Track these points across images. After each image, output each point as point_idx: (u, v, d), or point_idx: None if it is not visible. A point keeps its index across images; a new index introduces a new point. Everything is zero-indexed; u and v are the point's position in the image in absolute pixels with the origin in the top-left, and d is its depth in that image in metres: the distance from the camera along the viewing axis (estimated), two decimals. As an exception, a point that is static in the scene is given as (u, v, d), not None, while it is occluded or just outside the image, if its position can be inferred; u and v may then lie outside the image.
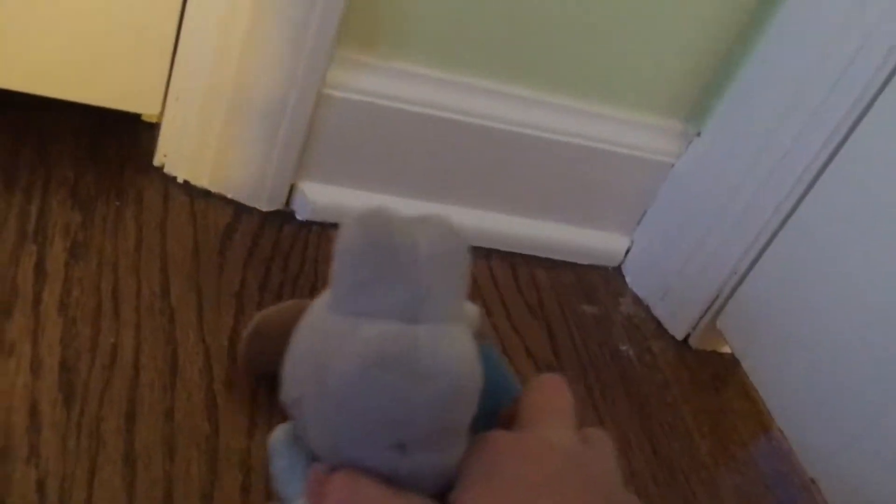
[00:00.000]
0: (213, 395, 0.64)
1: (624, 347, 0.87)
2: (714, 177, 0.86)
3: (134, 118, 0.83)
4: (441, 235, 0.41)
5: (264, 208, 0.82)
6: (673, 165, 0.91)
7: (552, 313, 0.87)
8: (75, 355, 0.62)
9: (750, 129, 0.83)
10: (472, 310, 0.49)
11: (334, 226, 0.83)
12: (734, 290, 0.86)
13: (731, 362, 0.90)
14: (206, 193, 0.81)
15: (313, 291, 0.76)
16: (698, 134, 0.90)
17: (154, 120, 0.82)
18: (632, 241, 0.96)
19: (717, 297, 0.87)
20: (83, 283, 0.67)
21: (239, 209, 0.81)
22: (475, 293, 0.85)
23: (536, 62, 0.83)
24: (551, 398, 0.46)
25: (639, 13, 0.82)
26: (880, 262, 0.74)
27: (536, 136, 0.86)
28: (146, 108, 0.77)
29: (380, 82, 0.79)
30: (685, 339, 0.91)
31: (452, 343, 0.38)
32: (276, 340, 0.47)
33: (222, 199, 0.81)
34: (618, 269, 0.97)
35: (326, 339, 0.39)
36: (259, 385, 0.66)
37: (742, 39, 0.85)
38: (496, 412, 0.46)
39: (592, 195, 0.92)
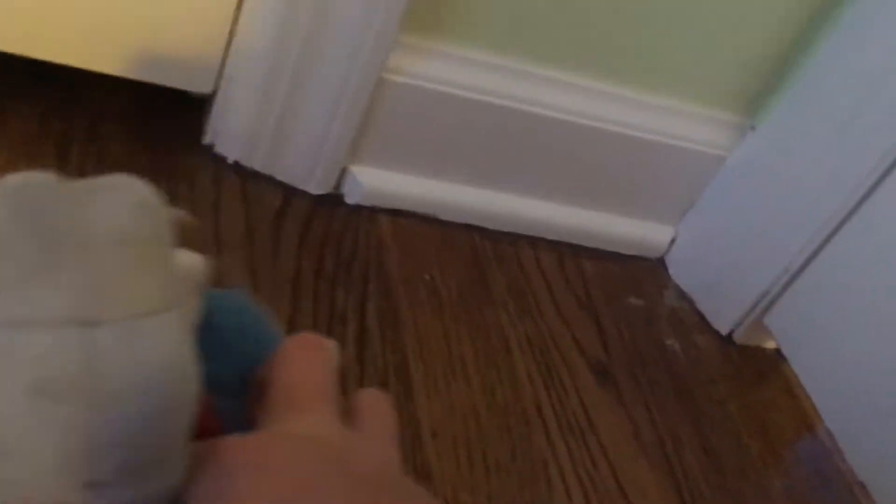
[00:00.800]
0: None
1: (670, 342, 0.86)
2: (770, 173, 0.85)
3: (179, 94, 0.81)
4: (124, 205, 0.31)
5: (314, 191, 0.80)
6: (724, 159, 0.90)
7: (599, 306, 0.86)
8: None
9: (814, 126, 0.81)
10: (192, 266, 0.36)
11: (384, 211, 0.82)
12: (785, 288, 0.85)
13: (774, 358, 0.90)
14: (256, 175, 0.79)
15: (366, 280, 0.75)
16: (753, 128, 0.89)
17: (200, 97, 0.80)
18: (676, 233, 0.95)
19: (766, 294, 0.86)
20: (141, 268, 0.66)
21: (289, 192, 0.79)
22: (524, 282, 0.84)
23: (593, 50, 0.81)
24: (303, 372, 0.35)
25: (698, 2, 0.80)
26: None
27: (588, 125, 0.84)
28: (199, 86, 0.76)
29: (439, 68, 0.77)
30: (729, 334, 0.90)
31: (148, 345, 0.29)
32: None
33: (271, 181, 0.79)
34: (660, 261, 0.96)
35: None
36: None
37: (806, 31, 0.83)
38: (249, 375, 0.37)
39: (639, 185, 0.91)
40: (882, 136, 0.77)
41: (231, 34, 0.73)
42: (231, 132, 0.78)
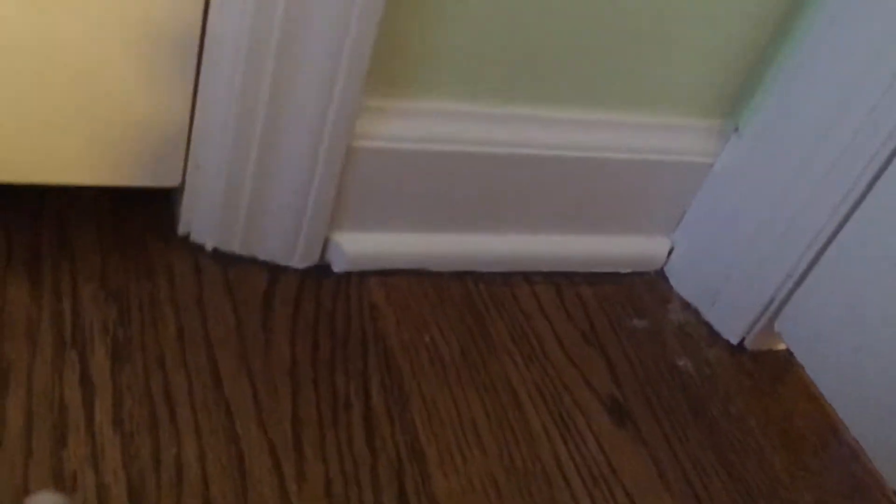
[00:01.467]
0: (286, 495, 0.61)
1: (681, 362, 0.84)
2: (760, 176, 0.83)
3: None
4: None
5: (299, 266, 0.78)
6: (711, 165, 0.87)
7: (605, 336, 0.84)
8: (140, 476, 0.58)
9: (801, 125, 0.79)
10: None
11: (374, 273, 0.80)
12: (791, 292, 0.83)
13: (789, 360, 0.88)
14: (236, 259, 0.77)
15: (365, 355, 0.73)
16: (736, 130, 0.86)
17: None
18: (673, 243, 0.93)
19: (773, 300, 0.84)
20: (133, 390, 0.64)
21: (273, 271, 0.77)
22: (525, 324, 0.82)
23: (562, 81, 0.78)
24: None
25: (663, 15, 0.77)
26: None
27: (567, 156, 0.81)
28: (166, 180, 0.73)
29: (407, 126, 0.75)
30: (740, 343, 0.88)
31: None
32: None
33: (254, 262, 0.77)
34: (660, 273, 0.93)
35: None
36: (331, 477, 0.63)
37: (783, 28, 0.80)
38: None
39: (629, 204, 0.88)
40: (873, 130, 0.75)
41: (191, 123, 0.70)
42: (205, 219, 0.75)
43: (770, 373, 0.87)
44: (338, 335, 0.74)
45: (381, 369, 0.72)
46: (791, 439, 0.81)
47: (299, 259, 0.78)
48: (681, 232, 0.92)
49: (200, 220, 0.75)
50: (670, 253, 0.93)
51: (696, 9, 0.77)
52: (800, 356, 0.84)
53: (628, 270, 0.92)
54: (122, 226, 0.76)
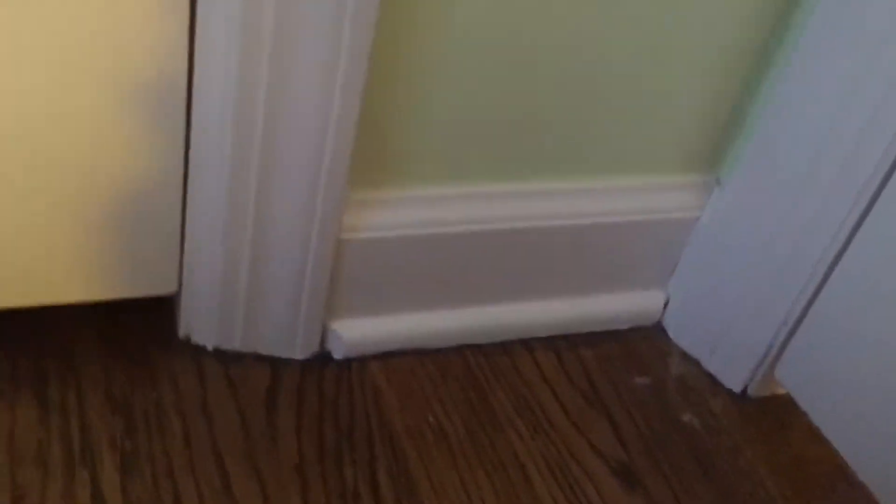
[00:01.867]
0: None
1: (686, 417, 0.85)
2: (746, 226, 0.84)
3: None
4: None
5: (300, 357, 0.79)
6: (698, 218, 0.88)
7: (608, 397, 0.85)
8: (156, 593, 0.59)
9: (782, 173, 0.80)
10: None
11: (374, 357, 0.81)
12: (788, 338, 0.84)
13: (792, 403, 0.88)
14: (238, 356, 0.78)
15: (371, 443, 0.74)
16: (718, 182, 0.87)
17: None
18: (668, 295, 0.94)
19: (771, 347, 0.85)
20: (144, 502, 0.65)
21: (275, 364, 0.78)
22: (528, 393, 0.82)
23: (544, 154, 0.80)
24: None
25: (632, 81, 0.79)
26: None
27: (555, 225, 0.83)
28: (163, 288, 0.75)
29: (394, 214, 0.76)
30: (743, 391, 0.89)
31: None
32: None
33: (256, 357, 0.78)
34: (658, 326, 0.94)
35: None
36: (345, 573, 0.64)
37: (755, 80, 0.82)
38: None
39: (620, 263, 0.90)
40: (856, 170, 0.76)
41: (183, 228, 0.72)
42: (204, 321, 0.77)
43: (776, 419, 0.88)
44: (342, 425, 0.75)
45: (387, 456, 0.73)
46: (802, 486, 0.81)
47: (300, 350, 0.79)
48: (675, 284, 0.93)
49: (200, 322, 0.77)
50: (666, 305, 0.94)
51: (669, 74, 0.79)
52: (801, 402, 0.84)
53: (626, 327, 0.93)
54: (123, 333, 0.77)
